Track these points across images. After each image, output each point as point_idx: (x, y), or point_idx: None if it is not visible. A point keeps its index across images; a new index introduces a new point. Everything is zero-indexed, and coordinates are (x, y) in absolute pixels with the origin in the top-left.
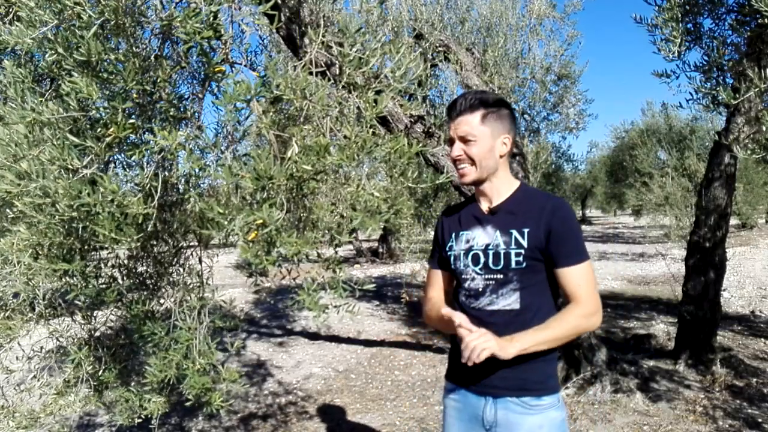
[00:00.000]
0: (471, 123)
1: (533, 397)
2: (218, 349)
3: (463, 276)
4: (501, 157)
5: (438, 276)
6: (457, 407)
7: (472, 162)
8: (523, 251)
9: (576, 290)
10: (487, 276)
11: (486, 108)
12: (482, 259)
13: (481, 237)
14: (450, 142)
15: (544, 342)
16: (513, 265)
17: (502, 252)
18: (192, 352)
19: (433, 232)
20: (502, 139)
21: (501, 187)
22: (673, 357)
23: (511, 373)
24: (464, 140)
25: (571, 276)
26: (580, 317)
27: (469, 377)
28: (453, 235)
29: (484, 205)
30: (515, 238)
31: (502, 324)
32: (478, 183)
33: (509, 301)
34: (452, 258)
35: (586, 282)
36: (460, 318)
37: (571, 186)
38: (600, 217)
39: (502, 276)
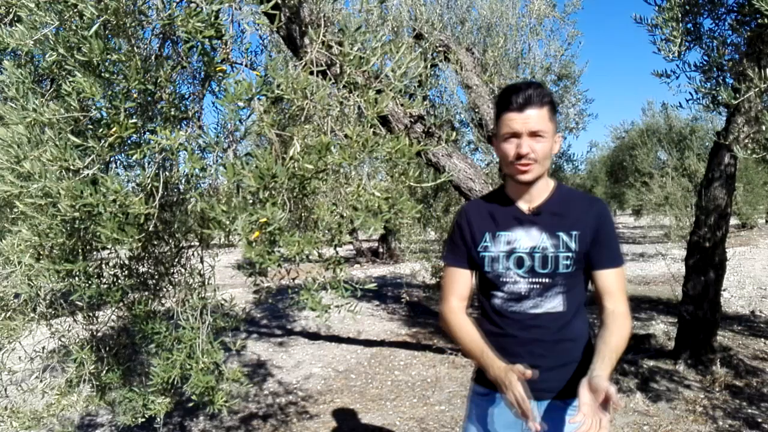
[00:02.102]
0: (543, 118)
1: (575, 398)
2: (219, 349)
3: (502, 279)
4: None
5: (463, 276)
6: (490, 411)
7: (535, 160)
8: (572, 255)
9: (616, 291)
10: (532, 279)
11: (551, 104)
12: (527, 263)
13: (525, 239)
14: (513, 135)
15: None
16: (561, 269)
17: (550, 255)
18: (196, 351)
19: (433, 232)
20: (557, 137)
21: (543, 187)
22: (673, 357)
23: (558, 375)
24: (535, 135)
25: (613, 278)
26: (627, 325)
27: None
28: (488, 235)
29: (524, 205)
30: (564, 241)
31: (544, 326)
32: (531, 182)
33: (554, 303)
34: (487, 259)
35: (623, 285)
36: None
37: (571, 186)
38: None
39: (549, 280)
